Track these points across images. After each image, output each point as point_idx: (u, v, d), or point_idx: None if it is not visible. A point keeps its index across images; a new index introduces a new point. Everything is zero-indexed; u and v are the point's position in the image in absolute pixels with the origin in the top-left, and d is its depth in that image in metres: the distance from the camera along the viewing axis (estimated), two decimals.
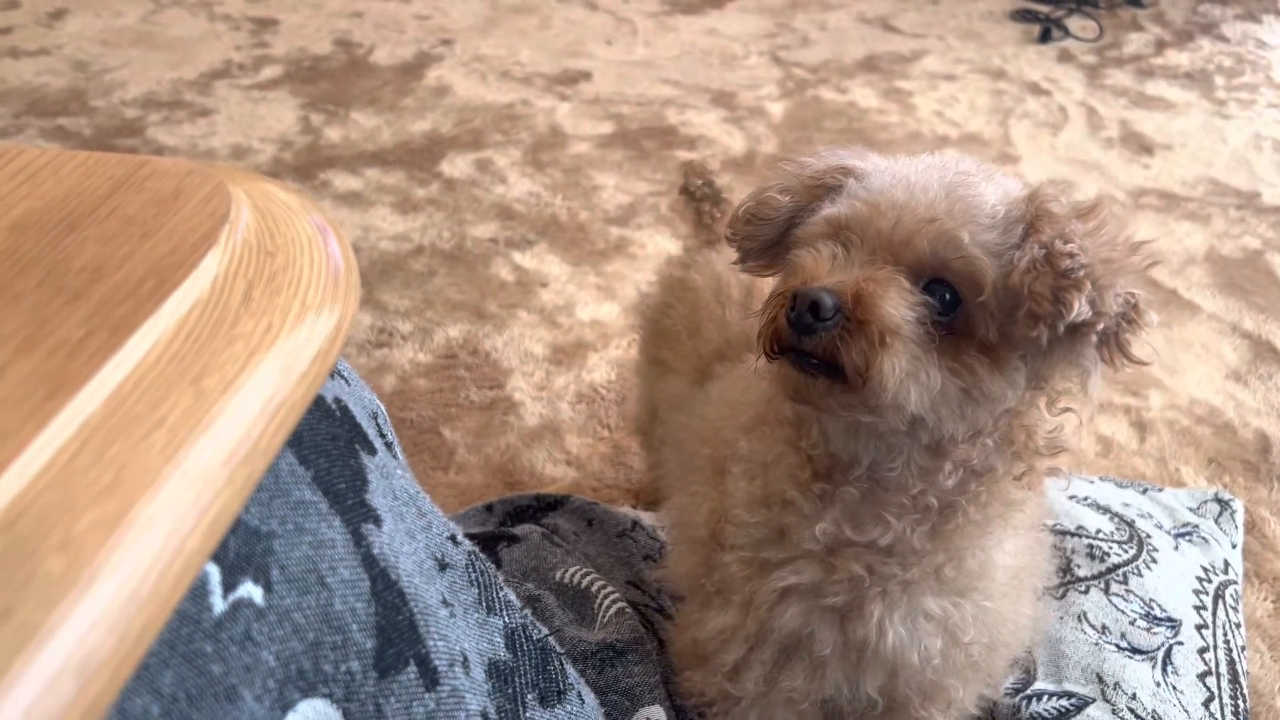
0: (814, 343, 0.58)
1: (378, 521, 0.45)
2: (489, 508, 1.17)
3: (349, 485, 0.44)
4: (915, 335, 0.58)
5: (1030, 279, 0.56)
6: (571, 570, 0.96)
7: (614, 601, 0.92)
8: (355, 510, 0.43)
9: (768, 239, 0.70)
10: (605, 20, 2.94)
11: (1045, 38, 2.81)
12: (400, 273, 1.74)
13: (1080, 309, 0.54)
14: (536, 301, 1.68)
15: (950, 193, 0.60)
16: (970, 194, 0.61)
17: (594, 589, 0.94)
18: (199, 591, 0.35)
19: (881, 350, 0.57)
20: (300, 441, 0.42)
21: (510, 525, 1.11)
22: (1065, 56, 2.73)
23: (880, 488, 0.67)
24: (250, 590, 0.37)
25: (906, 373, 0.57)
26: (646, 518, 1.16)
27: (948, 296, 0.59)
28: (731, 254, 0.75)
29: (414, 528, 0.50)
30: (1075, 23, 2.91)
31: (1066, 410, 0.69)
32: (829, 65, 2.66)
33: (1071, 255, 0.55)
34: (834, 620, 0.73)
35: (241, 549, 0.37)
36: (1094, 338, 0.57)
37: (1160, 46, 2.80)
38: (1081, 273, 0.55)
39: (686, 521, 0.84)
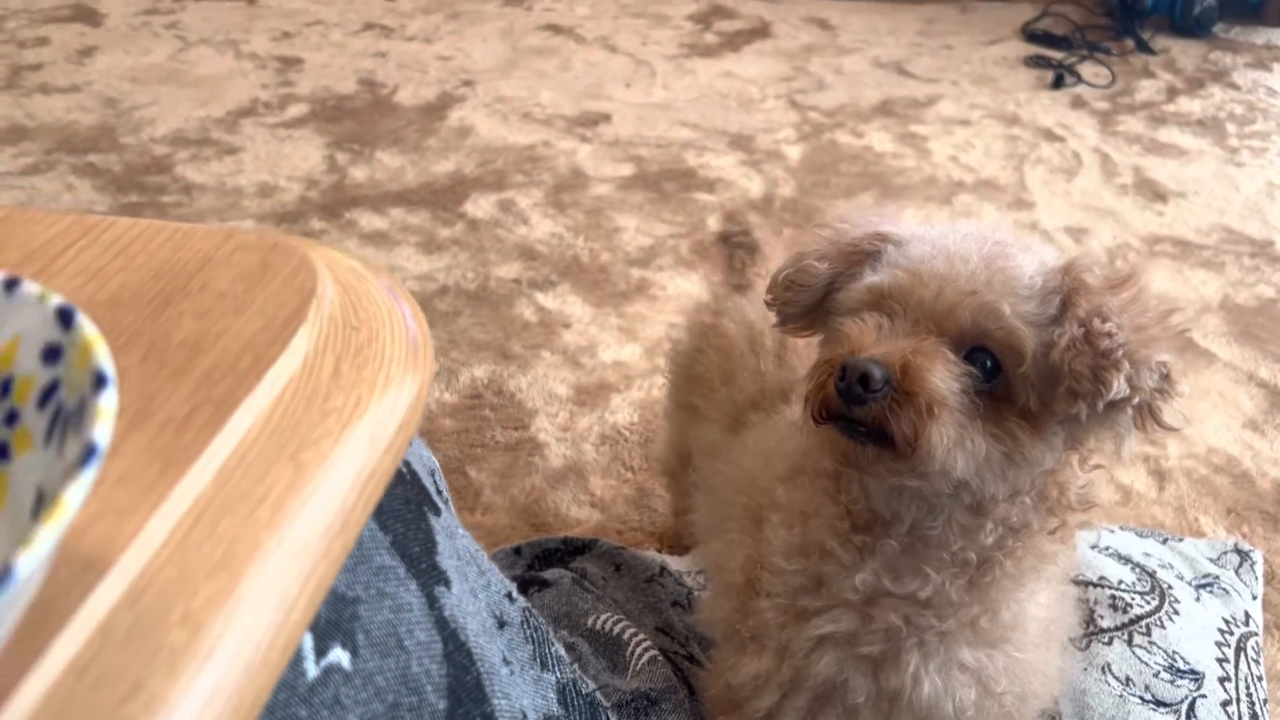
0: (864, 412, 0.60)
1: (447, 583, 0.46)
2: (517, 550, 1.18)
3: (422, 548, 0.46)
4: (960, 405, 0.60)
5: (1070, 357, 0.58)
6: (603, 617, 0.97)
7: (646, 649, 0.93)
8: (428, 573, 0.45)
9: (807, 303, 0.72)
10: (624, 62, 2.99)
11: (1058, 84, 2.85)
12: (426, 313, 1.75)
13: (1119, 387, 0.57)
14: (559, 342, 1.71)
15: (989, 264, 0.63)
16: (1008, 265, 0.63)
17: (625, 636, 0.95)
18: (295, 658, 0.37)
19: (930, 421, 0.59)
20: (380, 508, 0.44)
21: (539, 569, 1.12)
22: (1078, 103, 2.76)
23: (921, 543, 0.69)
24: (339, 655, 0.38)
25: (954, 441, 0.60)
26: (674, 562, 1.17)
27: (989, 364, 0.62)
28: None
29: (476, 586, 0.52)
30: (1088, 69, 2.94)
31: (1098, 467, 0.71)
32: (845, 109, 2.70)
33: (1110, 335, 0.57)
34: (868, 669, 0.74)
35: (330, 615, 0.39)
36: (1129, 410, 0.59)
37: (1172, 93, 2.83)
38: (1120, 352, 0.57)
39: (722, 566, 0.85)
